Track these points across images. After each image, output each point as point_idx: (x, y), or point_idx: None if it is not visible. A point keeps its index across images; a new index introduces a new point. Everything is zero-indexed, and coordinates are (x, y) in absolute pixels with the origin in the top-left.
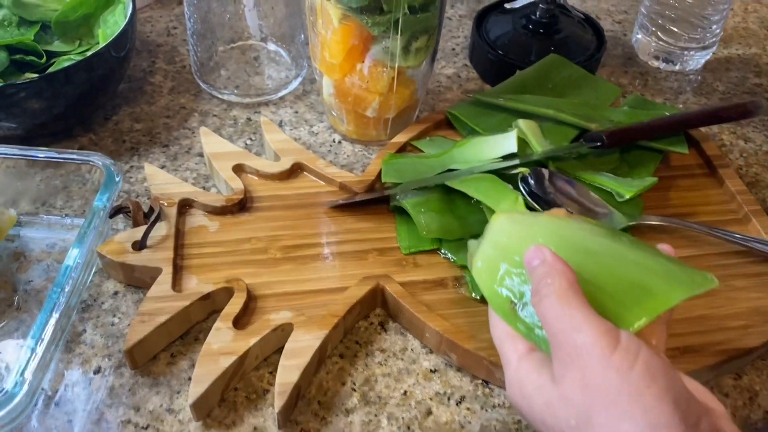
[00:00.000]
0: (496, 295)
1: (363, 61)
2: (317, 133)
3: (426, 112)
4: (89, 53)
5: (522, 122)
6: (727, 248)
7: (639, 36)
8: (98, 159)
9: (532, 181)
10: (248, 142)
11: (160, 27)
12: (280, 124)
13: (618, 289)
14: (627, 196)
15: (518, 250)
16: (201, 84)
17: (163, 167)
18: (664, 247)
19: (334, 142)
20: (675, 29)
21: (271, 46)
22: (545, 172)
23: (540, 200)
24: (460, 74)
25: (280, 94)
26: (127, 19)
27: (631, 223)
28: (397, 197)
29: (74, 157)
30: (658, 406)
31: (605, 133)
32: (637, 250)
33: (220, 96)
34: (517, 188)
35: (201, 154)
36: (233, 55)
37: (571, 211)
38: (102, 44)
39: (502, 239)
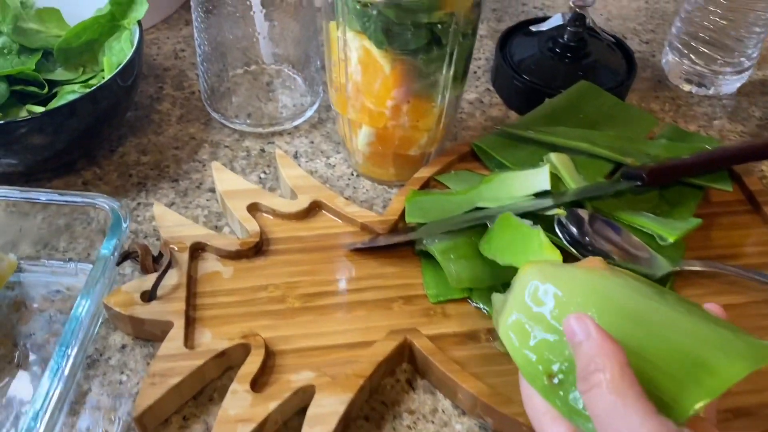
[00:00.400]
0: (528, 363)
1: (409, 101)
2: (334, 166)
3: (448, 141)
4: (93, 82)
5: (554, 156)
6: None
7: (669, 58)
8: (104, 201)
9: (569, 225)
10: (262, 175)
11: (167, 49)
12: (295, 156)
13: (672, 365)
14: (671, 240)
15: (554, 311)
16: (211, 112)
17: (172, 204)
18: (712, 308)
19: (353, 175)
20: (708, 52)
21: (285, 71)
22: (584, 214)
23: (578, 246)
24: (483, 99)
25: (295, 123)
26: (134, 48)
27: (673, 269)
28: (424, 242)
29: (78, 199)
30: None
31: (645, 171)
32: (687, 313)
33: (231, 126)
34: (550, 230)
35: (212, 189)
36: (245, 80)
37: (611, 260)
38: (107, 74)
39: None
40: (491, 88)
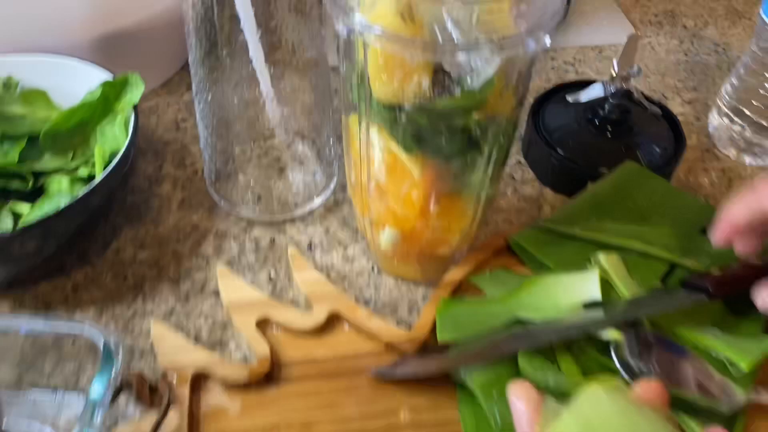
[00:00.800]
0: None
1: (440, 202)
2: (353, 260)
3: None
4: (83, 173)
5: (603, 257)
6: None
7: (717, 122)
8: (93, 332)
9: (627, 354)
10: (272, 273)
11: (167, 119)
12: (309, 247)
13: None
14: (744, 368)
15: None
16: (216, 198)
17: (172, 313)
18: None
19: (373, 270)
20: (763, 122)
21: (297, 145)
22: (647, 337)
23: (635, 376)
24: (515, 174)
25: (309, 208)
26: (129, 137)
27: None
28: (462, 374)
29: (63, 330)
30: None
31: (710, 282)
32: None
33: (238, 214)
34: (604, 350)
35: (217, 292)
36: (253, 156)
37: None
38: (99, 165)
39: (593, 420)
40: (523, 161)
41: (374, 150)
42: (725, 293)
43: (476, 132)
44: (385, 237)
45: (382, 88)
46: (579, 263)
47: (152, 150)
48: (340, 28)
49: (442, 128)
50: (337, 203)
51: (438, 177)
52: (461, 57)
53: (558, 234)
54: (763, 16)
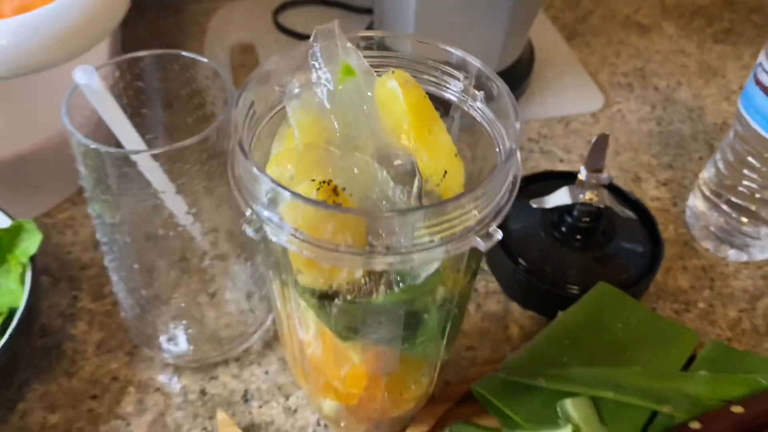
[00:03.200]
0: None
1: (389, 375)
2: (295, 411)
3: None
4: None
5: (571, 407)
6: None
7: (696, 211)
8: None
9: None
10: None
11: (84, 234)
12: (246, 398)
13: None
14: None
15: None
16: (136, 340)
17: None
18: None
19: (319, 425)
20: (748, 215)
21: (229, 262)
22: None
23: None
24: (478, 286)
25: (244, 347)
26: (25, 300)
27: None
28: None
29: None
30: None
31: None
32: None
33: (163, 358)
34: None
35: None
36: (179, 282)
37: None
38: None
39: None
40: (486, 268)
41: (306, 325)
42: None
43: (423, 316)
44: (327, 408)
45: (307, 279)
46: (550, 415)
47: (66, 277)
48: (249, 231)
49: (382, 320)
50: (277, 337)
51: (382, 357)
52: (400, 264)
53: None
54: (743, 112)
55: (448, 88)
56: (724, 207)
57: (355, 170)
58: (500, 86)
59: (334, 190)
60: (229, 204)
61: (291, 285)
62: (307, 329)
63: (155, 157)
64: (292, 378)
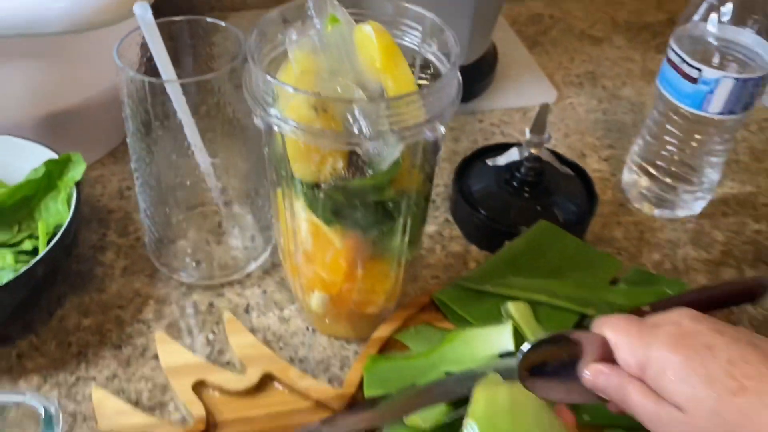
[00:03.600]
0: None
1: (364, 268)
2: (288, 320)
3: (407, 282)
4: (28, 246)
5: (513, 308)
6: None
7: (629, 178)
8: (34, 399)
9: None
10: (210, 336)
11: (112, 188)
12: (247, 310)
13: None
14: None
15: None
16: (157, 264)
17: (114, 377)
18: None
19: (308, 330)
20: (666, 179)
21: (235, 209)
22: None
23: None
24: (443, 232)
25: (247, 271)
26: (71, 214)
27: None
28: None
29: (6, 400)
30: None
31: None
32: None
33: (178, 278)
34: None
35: (157, 356)
36: (192, 221)
37: None
38: (42, 239)
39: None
40: (450, 218)
41: (299, 222)
42: None
43: (389, 206)
44: (315, 300)
45: (301, 169)
46: (496, 316)
47: (97, 219)
48: (258, 121)
49: (357, 204)
50: (274, 266)
51: (358, 245)
52: (368, 145)
53: (476, 290)
54: (660, 87)
55: (409, 36)
56: (651, 171)
57: (338, 89)
58: (448, 32)
59: (324, 108)
60: (237, 167)
61: (288, 179)
62: (300, 226)
63: (184, 87)
64: (286, 296)
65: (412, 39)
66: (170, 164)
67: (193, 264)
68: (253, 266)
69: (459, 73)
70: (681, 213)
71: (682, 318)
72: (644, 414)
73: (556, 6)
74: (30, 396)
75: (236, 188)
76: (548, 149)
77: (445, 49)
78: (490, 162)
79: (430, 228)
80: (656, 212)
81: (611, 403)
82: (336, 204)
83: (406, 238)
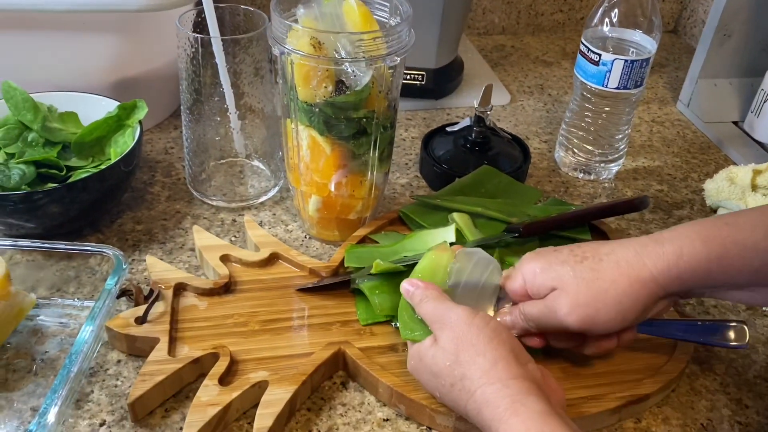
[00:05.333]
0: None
1: (346, 176)
2: (291, 231)
3: (383, 211)
4: (102, 167)
5: (457, 216)
6: None
7: (560, 153)
8: (109, 250)
9: None
10: (233, 238)
11: (159, 147)
12: (260, 224)
13: None
14: None
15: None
16: (194, 192)
17: (160, 260)
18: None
19: (306, 237)
20: (587, 147)
21: (254, 162)
22: None
23: None
24: (412, 183)
25: (261, 200)
26: (135, 141)
27: None
28: (357, 281)
29: (89, 249)
30: (501, 348)
31: (522, 225)
32: None
33: (209, 202)
34: None
35: (193, 249)
36: (222, 169)
37: None
38: (113, 160)
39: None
40: (419, 175)
41: (301, 139)
42: (532, 233)
43: (363, 121)
44: (312, 203)
45: (303, 92)
46: (444, 224)
47: (147, 166)
48: (277, 51)
49: (342, 118)
50: (282, 199)
51: (342, 153)
52: (348, 68)
53: (431, 206)
54: (576, 73)
55: (381, 12)
56: (575, 140)
57: (331, 37)
58: (404, 6)
59: (318, 42)
60: (259, 132)
61: (295, 101)
62: (302, 142)
63: (223, 43)
64: (290, 217)
65: (382, 13)
66: (210, 125)
67: (221, 195)
68: (266, 197)
69: (412, 29)
70: (599, 176)
71: (533, 253)
72: (540, 315)
73: (517, 39)
74: (107, 248)
75: (257, 148)
76: (493, 124)
77: (402, 17)
78: (449, 129)
79: (402, 181)
80: (580, 175)
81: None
82: (327, 117)
83: (376, 153)
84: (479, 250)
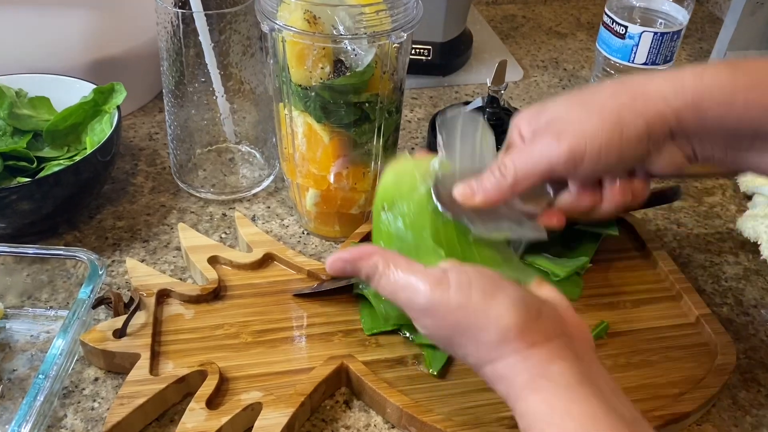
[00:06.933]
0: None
1: (347, 167)
2: (287, 226)
3: None
4: (77, 158)
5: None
6: (663, 322)
7: None
8: (83, 254)
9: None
10: (223, 236)
11: (142, 132)
12: (253, 219)
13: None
14: (561, 275)
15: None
16: (180, 184)
17: (143, 261)
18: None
19: (303, 233)
20: None
21: (245, 148)
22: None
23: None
24: None
25: (254, 192)
26: (113, 128)
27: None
28: (360, 286)
29: (61, 252)
30: (502, 305)
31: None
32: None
33: (197, 194)
34: None
35: (179, 248)
36: (210, 157)
37: None
38: (89, 150)
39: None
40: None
41: (296, 126)
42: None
43: (366, 106)
44: (309, 198)
45: (297, 73)
46: None
47: (130, 154)
48: (266, 28)
49: (341, 102)
50: (277, 189)
51: (342, 142)
52: (347, 46)
53: None
54: (598, 47)
55: None
56: None
57: (328, 11)
58: None
59: (314, 16)
60: (250, 115)
61: (288, 83)
62: (297, 130)
63: (208, 19)
64: (286, 210)
65: None
66: (196, 108)
67: (210, 186)
68: (259, 188)
69: (420, 1)
70: None
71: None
72: (527, 157)
73: (528, 8)
74: (81, 253)
75: (248, 133)
76: (507, 104)
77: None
78: (460, 109)
79: None
80: None
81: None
82: (324, 102)
83: (381, 142)
84: (460, 109)
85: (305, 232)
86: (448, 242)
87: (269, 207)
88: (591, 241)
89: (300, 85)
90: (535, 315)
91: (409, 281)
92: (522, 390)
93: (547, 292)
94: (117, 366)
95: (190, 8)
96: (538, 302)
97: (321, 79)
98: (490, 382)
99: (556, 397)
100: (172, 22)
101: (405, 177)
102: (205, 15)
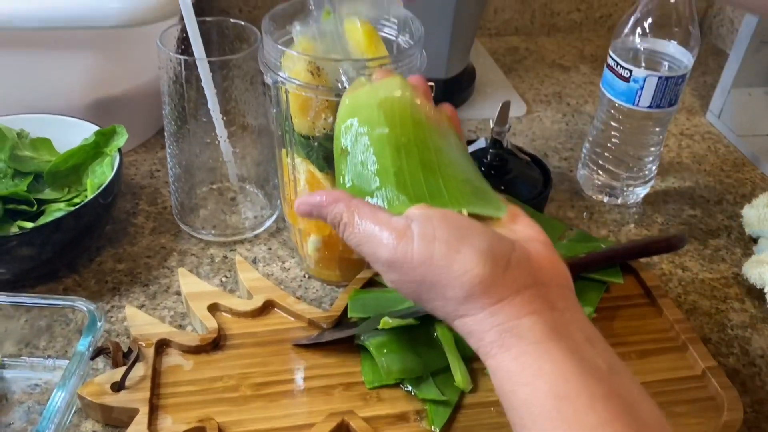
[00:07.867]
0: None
1: None
2: (289, 269)
3: None
4: (77, 201)
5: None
6: (668, 375)
7: (583, 172)
8: (82, 304)
9: None
10: (223, 279)
11: (144, 170)
12: (254, 261)
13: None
14: None
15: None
16: (181, 225)
17: (142, 306)
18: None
19: (305, 277)
20: (613, 168)
21: (248, 188)
22: None
23: None
24: None
25: (255, 233)
26: (114, 171)
27: None
28: (362, 338)
29: (59, 302)
30: (469, 260)
31: None
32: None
33: (198, 236)
34: None
35: (179, 293)
36: (211, 196)
37: None
38: (90, 194)
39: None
40: None
41: (298, 173)
42: None
43: None
44: (311, 243)
45: (300, 123)
46: None
47: (131, 192)
48: (269, 80)
49: None
50: (279, 230)
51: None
52: None
53: None
54: (603, 90)
55: (388, 29)
56: (600, 162)
57: (332, 63)
58: (416, 22)
59: (317, 68)
60: (252, 157)
61: (291, 133)
62: (299, 176)
63: (211, 65)
64: (287, 252)
65: (390, 31)
66: (197, 147)
67: (211, 227)
68: (260, 229)
69: (423, 51)
70: (627, 199)
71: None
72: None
73: (531, 40)
74: (80, 301)
75: (251, 173)
76: (511, 144)
77: (414, 36)
78: None
79: None
80: (606, 199)
81: None
82: (327, 152)
83: None
84: None
85: (306, 276)
86: (412, 180)
87: (270, 249)
88: (595, 290)
89: (303, 135)
90: (504, 266)
91: (373, 233)
92: (491, 347)
93: (521, 227)
94: (115, 420)
95: (192, 54)
96: (507, 249)
97: (324, 129)
98: (461, 335)
99: (526, 354)
100: (174, 68)
101: (363, 111)
102: (208, 61)
